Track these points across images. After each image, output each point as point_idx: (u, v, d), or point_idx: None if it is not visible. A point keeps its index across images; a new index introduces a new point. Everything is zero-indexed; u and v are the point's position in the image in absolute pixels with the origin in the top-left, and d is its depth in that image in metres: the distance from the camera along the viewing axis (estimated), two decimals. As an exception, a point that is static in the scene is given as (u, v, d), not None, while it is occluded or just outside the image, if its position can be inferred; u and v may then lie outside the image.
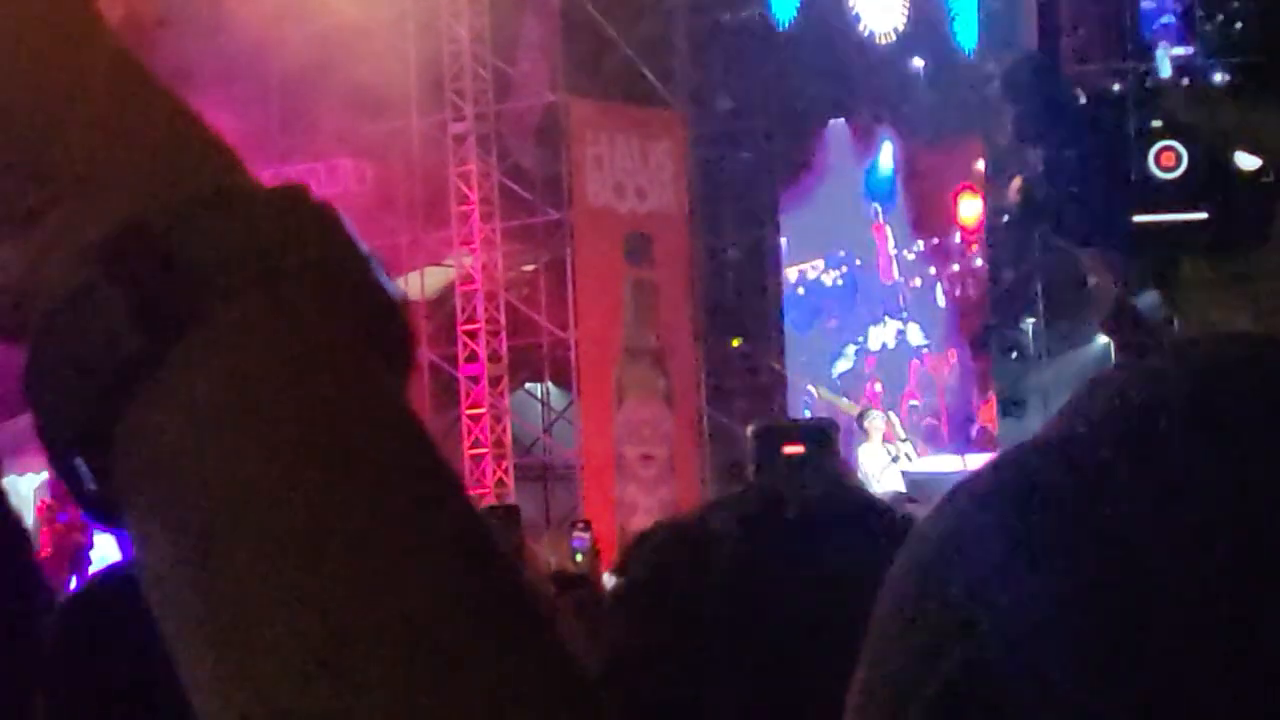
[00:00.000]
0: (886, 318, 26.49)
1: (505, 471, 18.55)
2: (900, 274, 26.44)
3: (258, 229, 0.79)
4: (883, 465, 18.20)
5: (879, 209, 25.90)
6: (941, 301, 27.13)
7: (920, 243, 26.44)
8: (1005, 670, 0.65)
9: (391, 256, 19.50)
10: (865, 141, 25.05)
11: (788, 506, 1.36)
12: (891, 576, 0.72)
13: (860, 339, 25.38)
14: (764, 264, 21.73)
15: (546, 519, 18.95)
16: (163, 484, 0.74)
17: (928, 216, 25.44)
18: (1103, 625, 0.64)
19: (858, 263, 25.91)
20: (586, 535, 10.96)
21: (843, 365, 24.83)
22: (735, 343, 21.48)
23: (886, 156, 25.43)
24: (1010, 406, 23.27)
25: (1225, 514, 0.64)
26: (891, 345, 25.21)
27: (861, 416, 19.18)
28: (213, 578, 0.72)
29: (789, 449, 2.17)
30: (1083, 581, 0.65)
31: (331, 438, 0.76)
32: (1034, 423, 25.21)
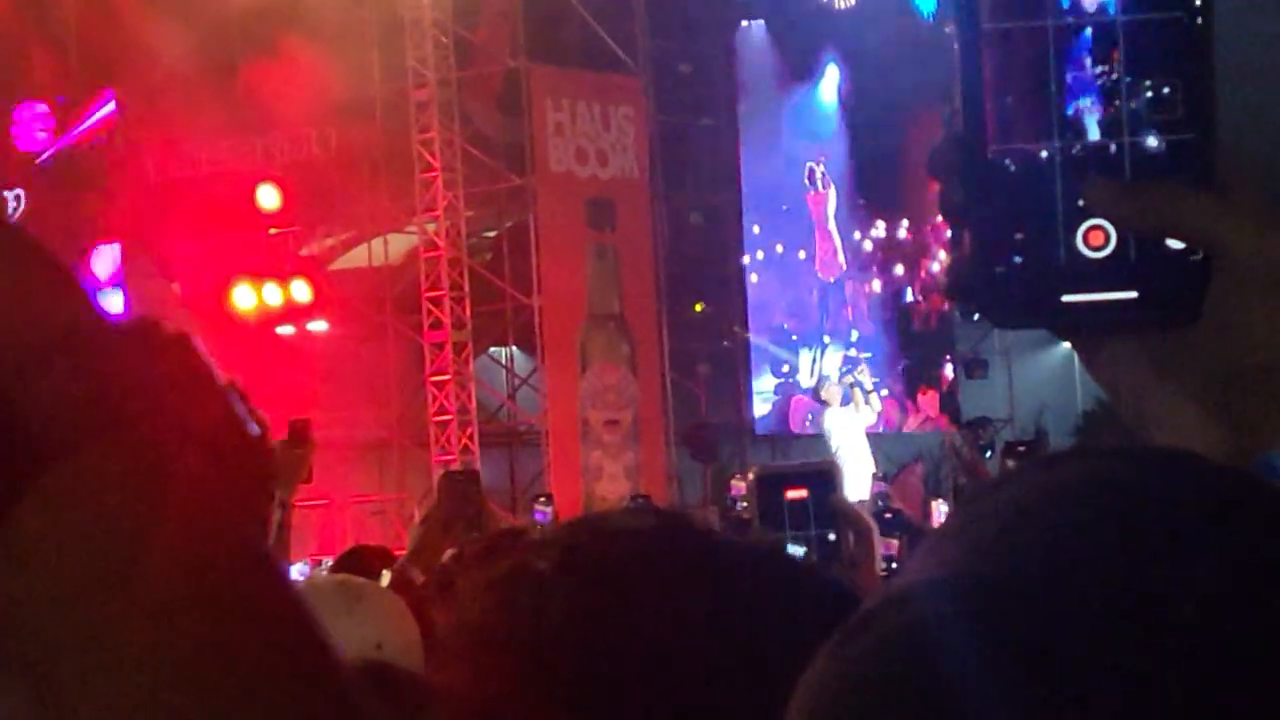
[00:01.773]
0: (829, 342, 23.65)
1: (470, 437, 18.58)
2: (848, 265, 23.85)
3: (103, 373, 0.77)
4: (847, 429, 18.25)
5: (818, 169, 23.47)
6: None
7: (881, 224, 24.14)
8: None
9: (355, 223, 19.53)
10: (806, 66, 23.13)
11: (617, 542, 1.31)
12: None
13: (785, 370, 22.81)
14: (726, 228, 21.79)
15: (512, 484, 19.02)
16: (9, 641, 0.74)
17: (889, 193, 23.59)
18: None
19: (800, 255, 23.47)
20: (549, 509, 10.99)
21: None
22: (698, 307, 21.55)
23: (830, 86, 23.67)
24: (972, 367, 23.40)
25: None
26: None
27: (819, 386, 19.20)
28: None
29: (791, 494, 2.23)
30: None
31: (169, 596, 0.74)
32: (997, 382, 25.36)
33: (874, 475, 16.03)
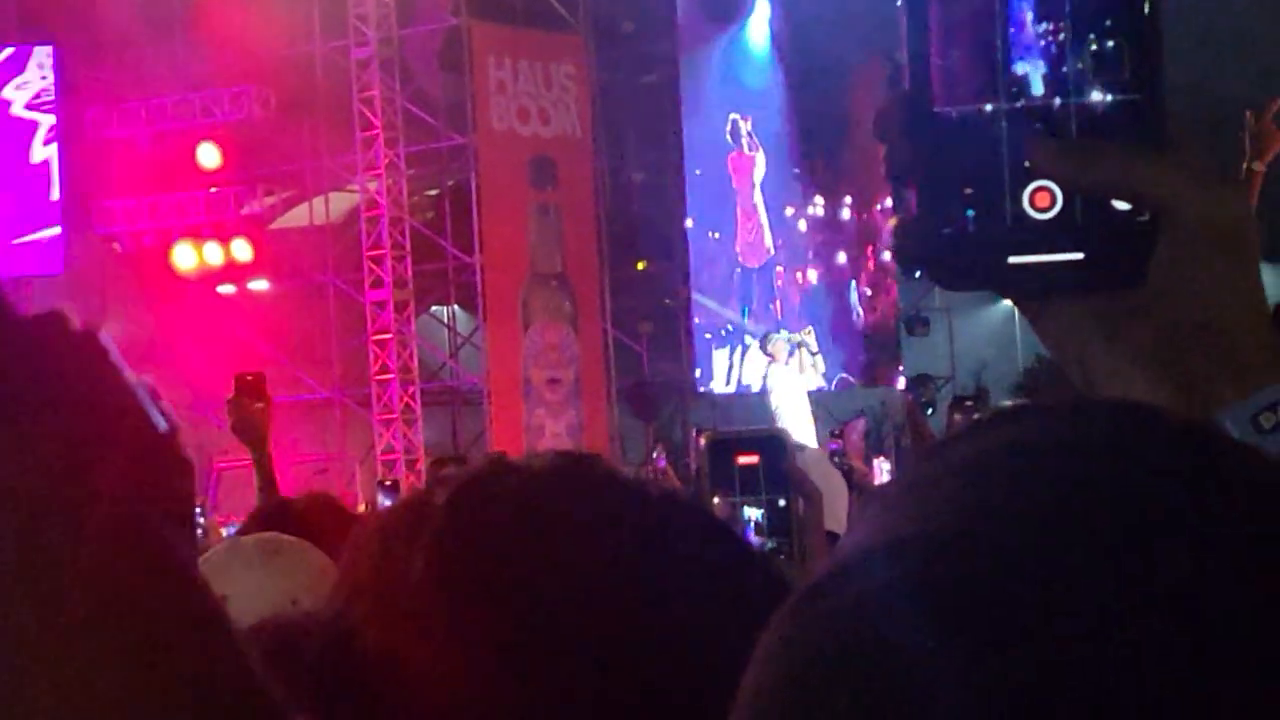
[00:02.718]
0: (748, 340, 21.20)
1: (412, 396, 18.58)
2: (777, 249, 21.71)
3: (6, 366, 0.77)
4: (790, 386, 18.25)
5: (744, 125, 21.91)
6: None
7: (820, 201, 22.00)
8: None
9: (296, 182, 19.46)
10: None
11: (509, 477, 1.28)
12: (757, 691, 0.68)
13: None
14: (668, 187, 21.76)
15: (454, 443, 19.02)
16: None
17: (831, 164, 21.76)
18: None
19: (713, 235, 21.89)
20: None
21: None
22: (640, 265, 21.55)
23: (760, 25, 22.15)
24: (913, 325, 23.40)
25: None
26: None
27: (765, 340, 19.18)
28: None
29: (743, 459, 2.22)
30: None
31: (57, 586, 0.74)
32: (938, 340, 25.32)
33: (831, 432, 16.03)
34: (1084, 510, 0.65)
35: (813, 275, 22.45)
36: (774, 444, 2.54)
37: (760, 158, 21.92)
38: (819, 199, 22.38)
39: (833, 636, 0.65)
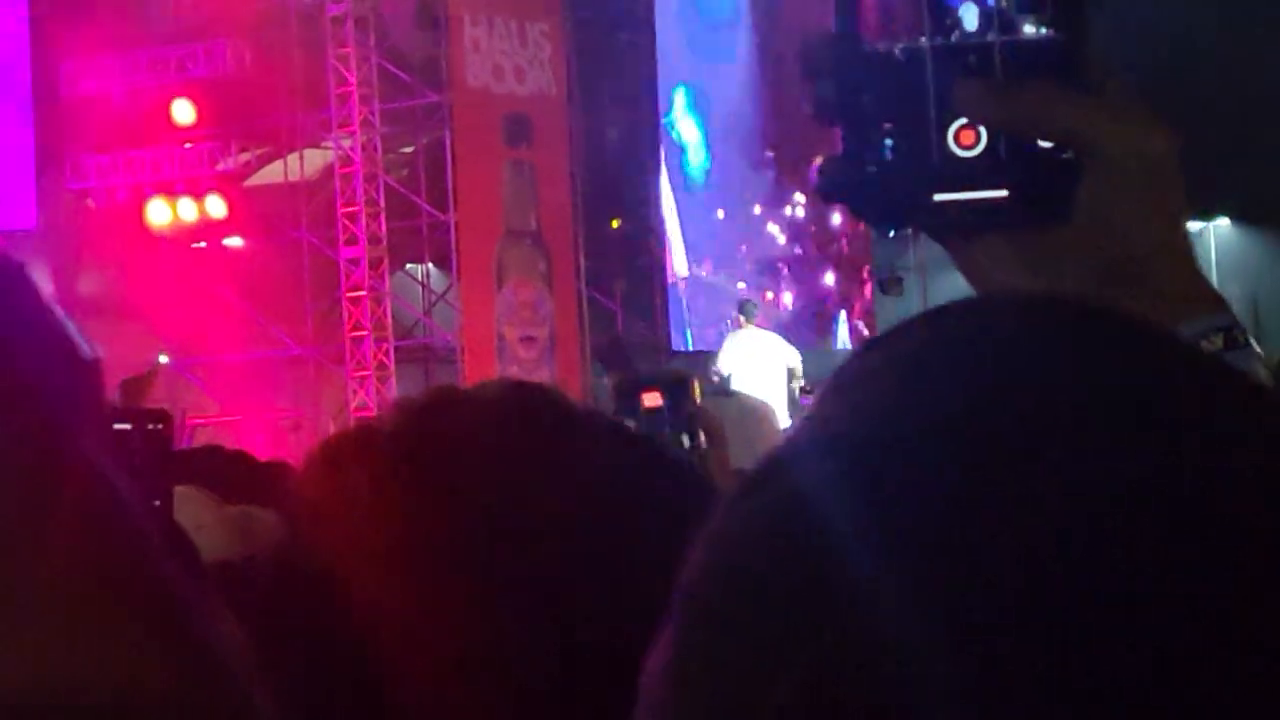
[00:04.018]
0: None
1: (386, 354, 18.56)
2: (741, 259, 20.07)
3: None
4: (751, 351, 18.15)
5: (677, 100, 21.66)
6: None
7: (801, 200, 19.67)
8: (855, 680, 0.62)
9: (270, 138, 19.40)
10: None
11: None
12: (694, 581, 0.69)
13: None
14: (643, 147, 21.74)
15: (428, 400, 18.98)
16: None
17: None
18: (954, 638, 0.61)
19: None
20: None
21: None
22: (615, 224, 21.54)
23: None
24: (887, 285, 23.30)
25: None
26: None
27: (744, 306, 19.05)
28: None
29: (648, 400, 2.26)
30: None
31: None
32: (912, 299, 25.21)
33: (803, 389, 16.00)
34: (998, 409, 0.65)
35: (787, 299, 20.23)
36: (681, 385, 2.58)
37: (697, 146, 20.38)
38: (799, 198, 20.68)
39: (765, 529, 0.66)
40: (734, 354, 17.39)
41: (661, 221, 21.59)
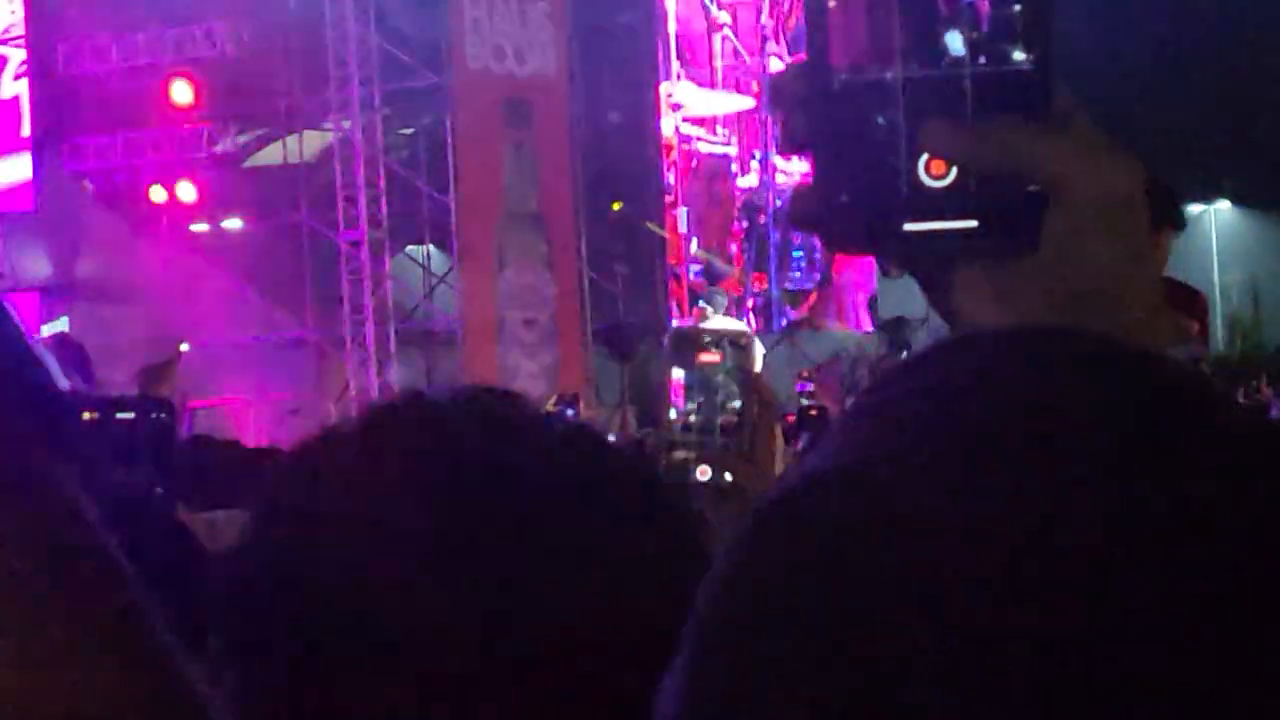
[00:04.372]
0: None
1: (386, 337, 18.53)
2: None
3: None
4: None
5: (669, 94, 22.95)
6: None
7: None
8: None
9: (269, 120, 19.35)
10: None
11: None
12: (714, 608, 0.72)
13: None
14: (644, 127, 21.70)
15: (429, 383, 18.96)
16: None
17: None
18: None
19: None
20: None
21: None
22: (616, 206, 21.50)
23: None
24: (888, 265, 23.29)
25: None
26: None
27: (710, 295, 18.97)
28: None
29: (705, 356, 2.23)
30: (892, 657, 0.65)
31: None
32: (913, 281, 25.29)
33: (800, 374, 16.02)
34: (1011, 440, 0.69)
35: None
36: (740, 347, 2.57)
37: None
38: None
39: (787, 562, 0.69)
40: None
41: (663, 204, 21.56)
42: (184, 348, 15.77)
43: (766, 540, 0.71)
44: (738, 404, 2.51)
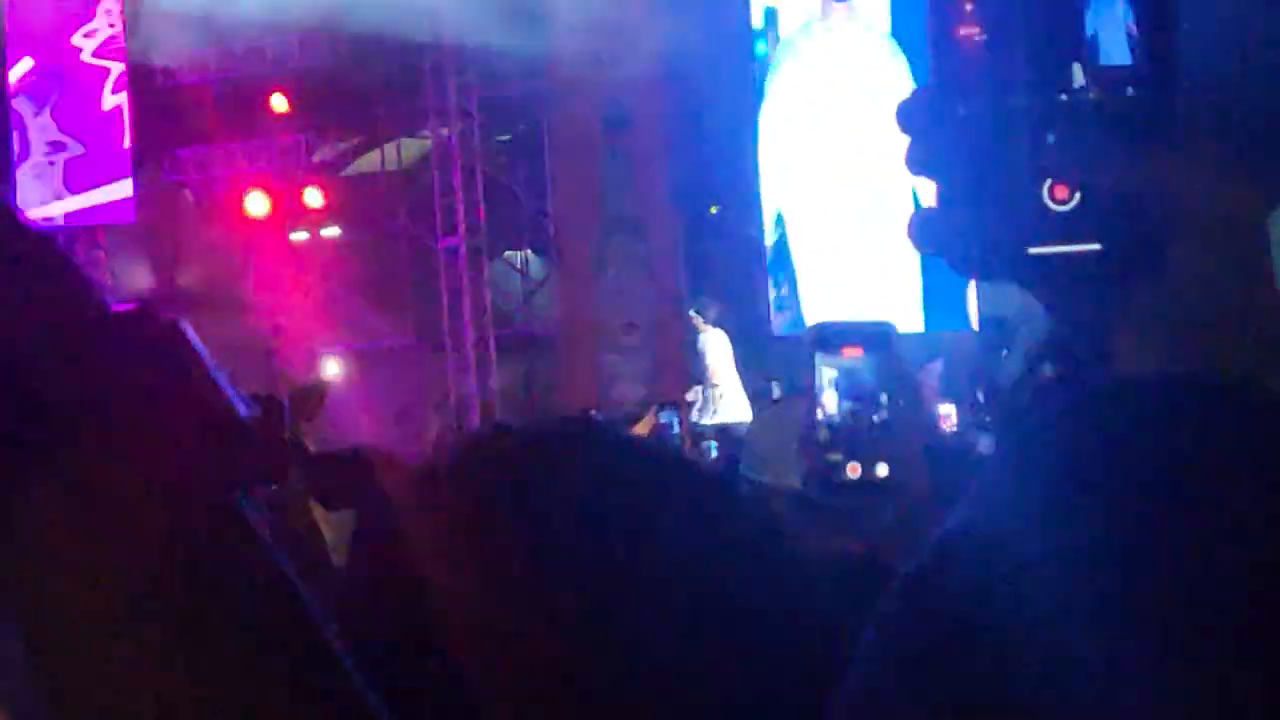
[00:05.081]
0: None
1: (485, 343, 18.55)
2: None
3: (98, 363, 0.83)
4: (725, 350, 18.07)
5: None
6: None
7: None
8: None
9: (367, 128, 19.41)
10: None
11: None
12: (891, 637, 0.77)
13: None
14: (742, 130, 21.62)
15: (528, 390, 18.98)
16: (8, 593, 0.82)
17: None
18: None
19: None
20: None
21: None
22: (713, 209, 21.44)
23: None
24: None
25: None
26: None
27: (701, 306, 18.88)
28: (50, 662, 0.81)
29: (848, 353, 2.19)
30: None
31: (153, 584, 0.82)
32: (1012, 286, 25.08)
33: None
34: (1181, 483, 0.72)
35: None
36: (883, 339, 2.56)
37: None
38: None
39: (934, 628, 0.73)
40: (713, 356, 17.46)
41: (760, 207, 21.46)
42: (329, 371, 15.85)
43: (909, 608, 0.76)
44: (885, 398, 2.46)
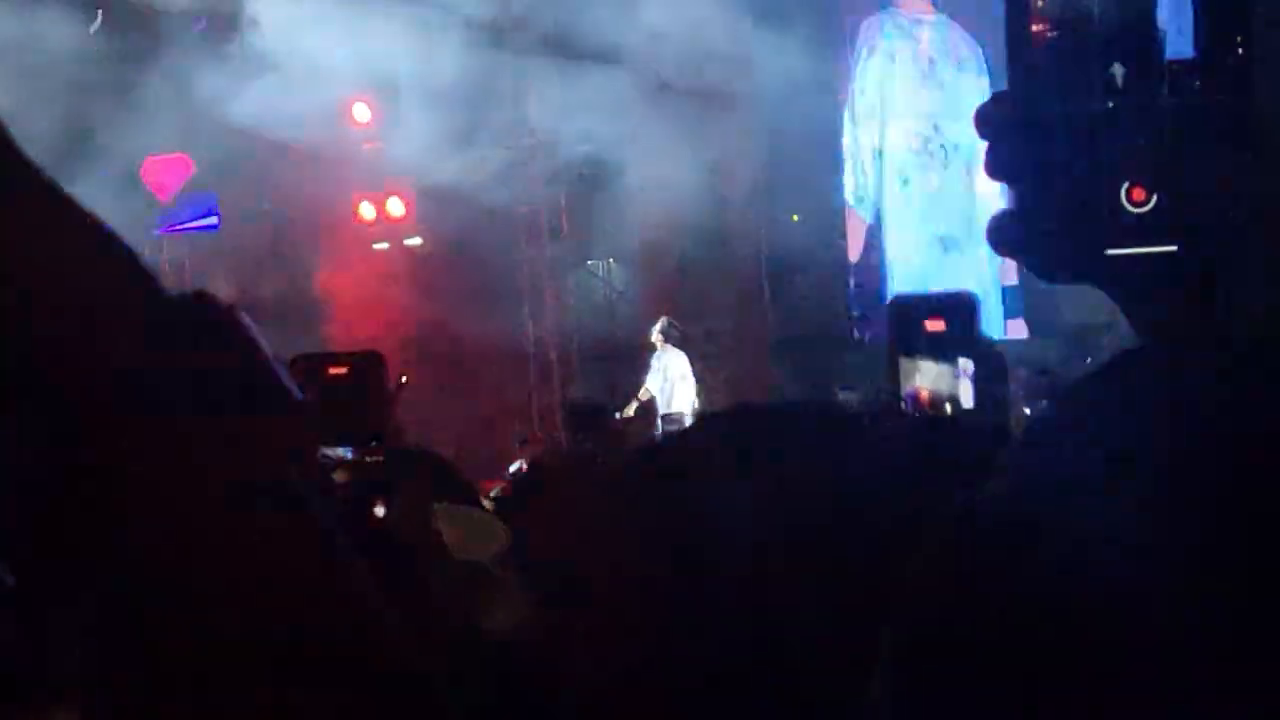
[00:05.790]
0: None
1: (569, 351, 18.57)
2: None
3: (162, 347, 0.86)
4: (683, 369, 18.05)
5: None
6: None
7: None
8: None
9: (449, 138, 19.43)
10: None
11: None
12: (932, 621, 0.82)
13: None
14: (824, 140, 21.56)
15: (612, 397, 18.95)
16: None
17: None
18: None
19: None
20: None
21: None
22: (795, 218, 21.37)
23: None
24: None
25: None
26: None
27: (665, 327, 18.75)
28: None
29: (931, 325, 2.15)
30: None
31: (221, 540, 0.85)
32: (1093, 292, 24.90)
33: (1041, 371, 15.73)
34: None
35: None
36: (967, 309, 2.48)
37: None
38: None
39: (999, 540, 0.78)
40: (656, 377, 17.43)
41: (844, 214, 21.40)
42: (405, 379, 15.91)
43: (945, 550, 0.80)
44: (972, 369, 2.38)
